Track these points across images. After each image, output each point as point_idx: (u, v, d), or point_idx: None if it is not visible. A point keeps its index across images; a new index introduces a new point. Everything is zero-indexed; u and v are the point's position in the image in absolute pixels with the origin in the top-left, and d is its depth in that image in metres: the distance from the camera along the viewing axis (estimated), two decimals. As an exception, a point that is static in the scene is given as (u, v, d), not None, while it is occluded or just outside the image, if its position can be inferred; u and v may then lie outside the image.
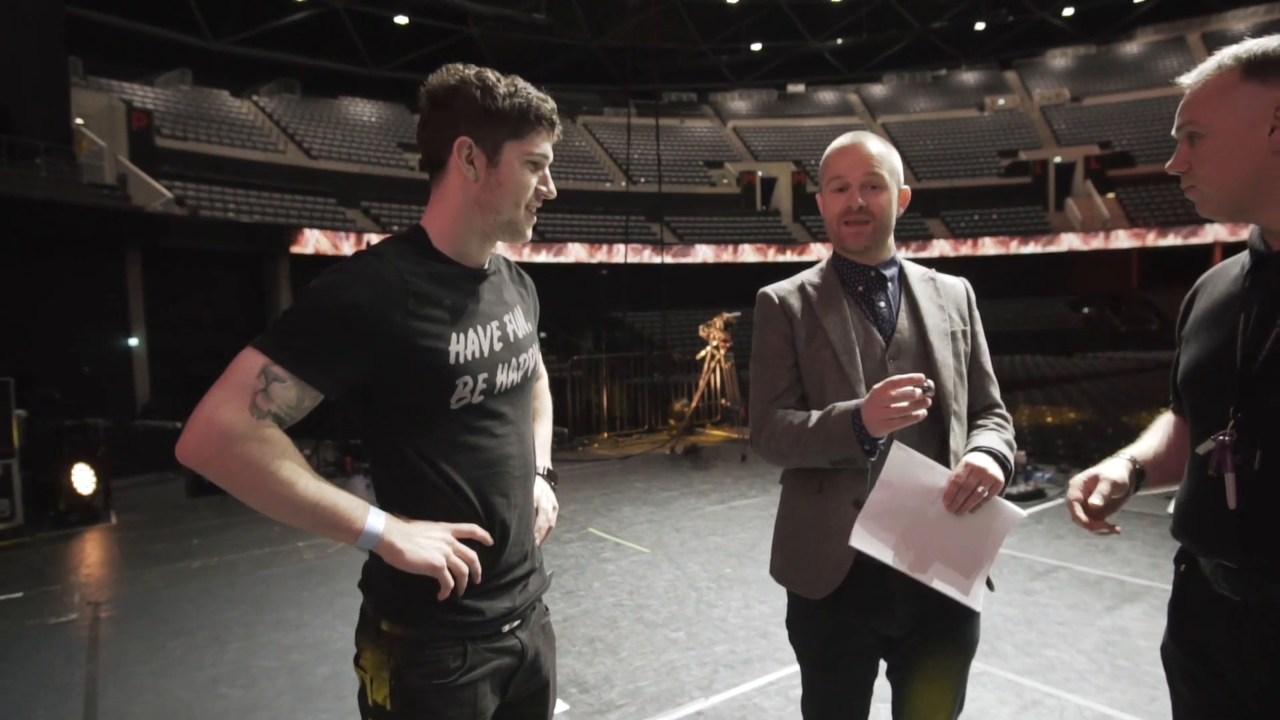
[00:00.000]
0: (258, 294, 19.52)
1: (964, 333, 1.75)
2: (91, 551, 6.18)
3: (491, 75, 1.37)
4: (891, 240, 1.75)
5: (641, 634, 4.08)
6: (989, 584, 1.63)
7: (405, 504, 1.34)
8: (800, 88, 37.58)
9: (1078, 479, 1.44)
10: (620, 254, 24.31)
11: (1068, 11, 35.47)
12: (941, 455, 1.63)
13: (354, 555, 5.64)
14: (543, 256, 24.40)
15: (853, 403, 1.55)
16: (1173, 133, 1.28)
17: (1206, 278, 1.43)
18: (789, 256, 27.71)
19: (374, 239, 18.21)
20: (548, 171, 1.42)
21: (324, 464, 9.23)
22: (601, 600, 4.59)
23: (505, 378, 1.41)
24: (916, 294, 1.73)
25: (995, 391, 1.79)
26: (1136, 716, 3.09)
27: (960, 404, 1.69)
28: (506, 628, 1.42)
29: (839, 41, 36.98)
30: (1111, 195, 28.50)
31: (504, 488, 1.42)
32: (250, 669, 3.81)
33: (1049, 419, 11.54)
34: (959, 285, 1.81)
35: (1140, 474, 1.47)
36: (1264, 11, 32.61)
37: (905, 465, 1.53)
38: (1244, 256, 1.33)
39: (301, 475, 1.22)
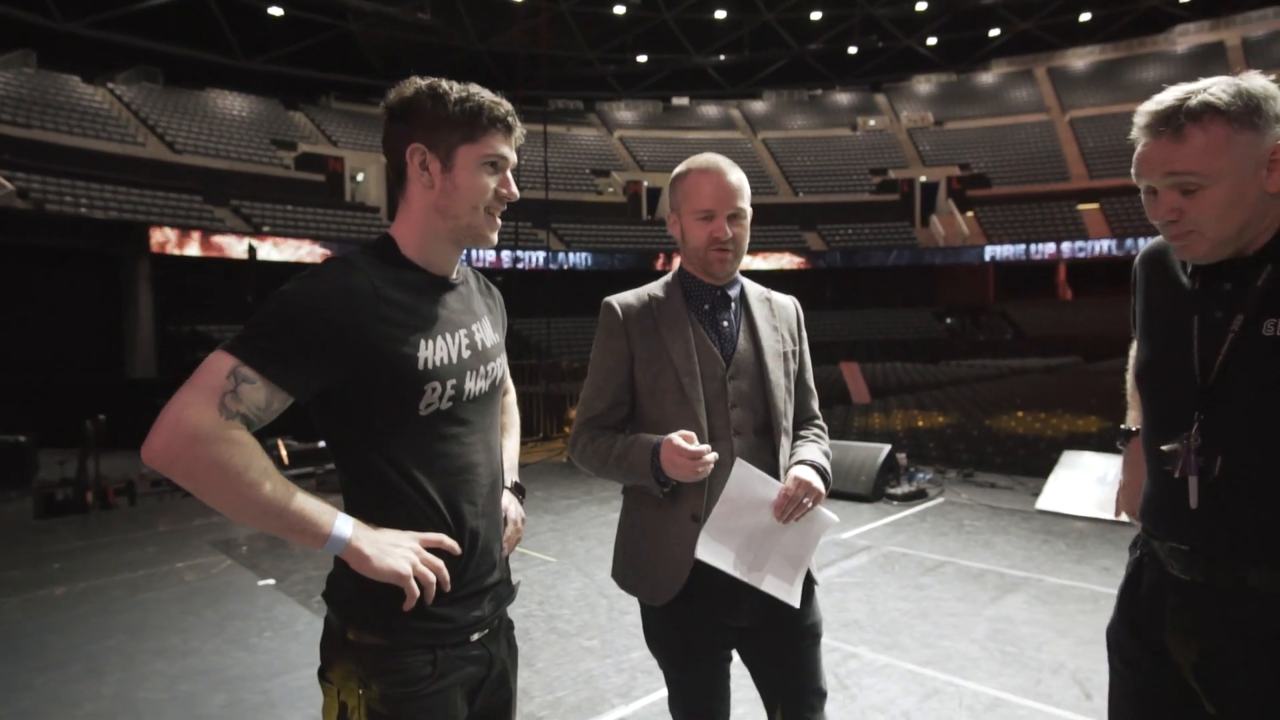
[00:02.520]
0: (114, 296, 18.10)
1: (793, 352, 1.85)
2: (-70, 581, 5.56)
3: (445, 84, 1.38)
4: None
5: (556, 644, 4.05)
6: (811, 579, 1.78)
7: (373, 510, 1.33)
8: (685, 101, 38.39)
9: (1133, 486, 1.56)
10: (506, 260, 24.05)
11: (931, 40, 37.95)
12: (773, 468, 1.74)
13: (242, 576, 5.34)
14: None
15: (653, 440, 1.66)
16: (1153, 184, 1.30)
17: (1148, 258, 1.50)
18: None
19: (244, 240, 17.28)
20: (509, 174, 1.42)
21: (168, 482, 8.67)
22: (512, 611, 4.51)
23: (473, 385, 1.42)
24: (755, 315, 1.82)
25: (815, 404, 1.92)
26: (1026, 698, 3.33)
27: (788, 420, 1.81)
28: (475, 636, 1.42)
29: (722, 58, 38.05)
30: (971, 214, 30.54)
31: (472, 495, 1.42)
32: (134, 703, 3.53)
33: (920, 423, 12.22)
34: (790, 305, 1.91)
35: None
36: (1098, 51, 35.96)
37: (744, 481, 1.64)
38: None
39: (269, 477, 1.20)
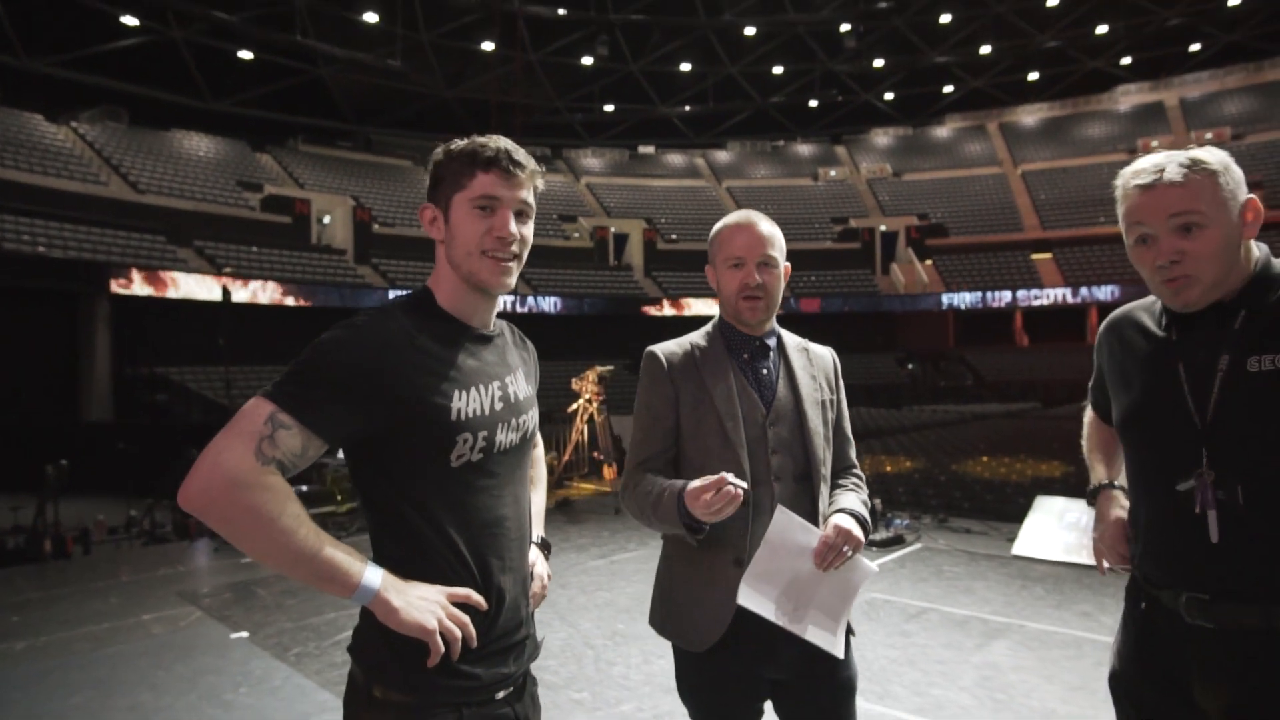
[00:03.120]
0: (69, 337, 17.64)
1: (831, 401, 1.88)
2: (-123, 637, 5.28)
3: (459, 142, 1.42)
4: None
5: (545, 696, 3.93)
6: (850, 630, 1.79)
7: (401, 560, 1.32)
8: (650, 149, 39.03)
9: (1111, 535, 1.61)
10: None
11: (889, 96, 39.26)
12: (812, 515, 1.75)
13: (212, 629, 5.17)
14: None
15: (678, 484, 1.66)
16: (1151, 230, 1.37)
17: (1114, 324, 1.62)
18: (664, 311, 28.41)
19: (209, 280, 17.01)
20: (510, 215, 1.40)
21: (158, 526, 8.41)
22: (497, 663, 4.43)
23: (504, 437, 1.43)
24: (793, 363, 1.86)
25: (853, 453, 1.95)
26: (1021, 746, 3.35)
27: (827, 467, 1.83)
28: (501, 694, 1.40)
29: (687, 108, 38.87)
30: (929, 262, 31.32)
31: (500, 549, 1.42)
32: (107, 763, 3.39)
33: (888, 468, 12.34)
34: (827, 355, 1.95)
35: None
36: (1046, 108, 37.52)
37: (785, 528, 1.65)
38: (1149, 306, 1.54)
39: (302, 524, 1.21)
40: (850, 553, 1.66)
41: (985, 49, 35.46)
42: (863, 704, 3.74)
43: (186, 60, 27.86)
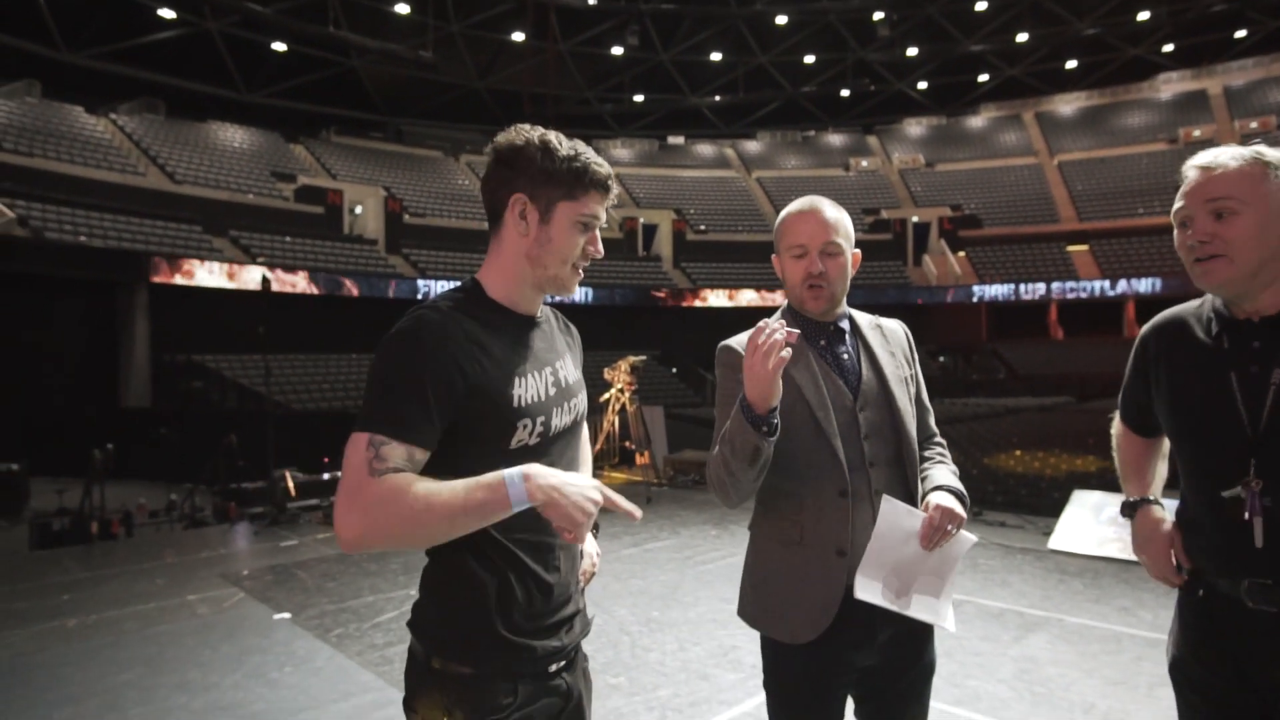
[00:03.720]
0: (110, 326, 18.01)
1: (911, 376, 1.86)
2: (-65, 612, 5.46)
3: (554, 138, 1.44)
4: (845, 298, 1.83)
5: (581, 681, 4.02)
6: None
7: (457, 543, 1.35)
8: (680, 140, 38.90)
9: (1156, 554, 1.61)
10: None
11: (922, 85, 38.74)
12: (910, 495, 1.74)
13: (255, 609, 5.27)
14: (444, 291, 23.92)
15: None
16: (1191, 214, 1.45)
17: (1162, 328, 1.62)
18: (695, 302, 28.40)
19: (243, 270, 17.24)
20: (598, 233, 1.49)
21: (198, 510, 8.59)
22: (534, 648, 4.48)
23: (559, 421, 1.47)
24: (872, 344, 1.82)
25: (933, 421, 1.92)
26: (1061, 739, 3.33)
27: (916, 444, 1.80)
28: (554, 667, 1.45)
29: (717, 98, 38.65)
30: (962, 254, 30.94)
31: (551, 529, 1.44)
32: (159, 737, 3.48)
33: (922, 461, 12.25)
34: (900, 330, 1.92)
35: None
36: (1084, 97, 36.80)
37: (892, 516, 1.64)
38: (1195, 312, 1.56)
39: (434, 493, 1.23)
40: (954, 530, 1.64)
41: (1022, 36, 34.80)
42: (900, 694, 3.75)
43: (222, 52, 28.25)
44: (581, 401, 1.57)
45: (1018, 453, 11.69)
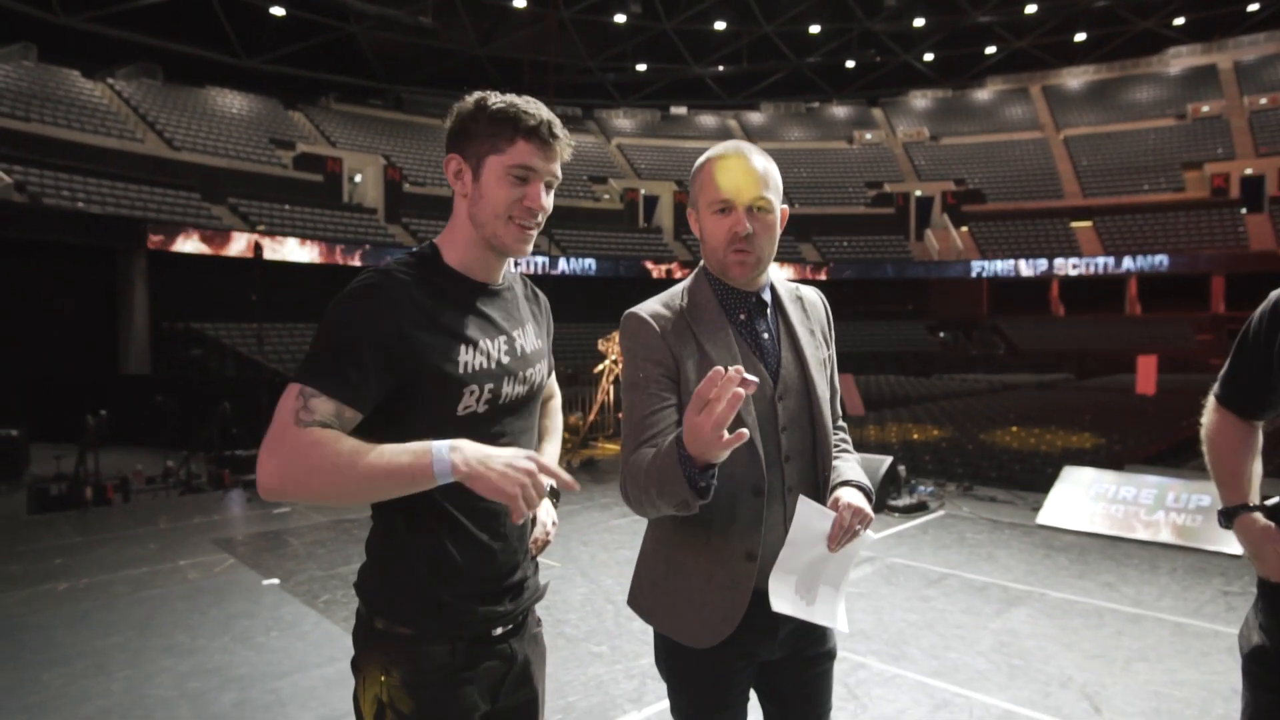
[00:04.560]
0: (108, 292, 17.98)
1: (829, 357, 1.69)
2: (-71, 574, 5.51)
3: (492, 96, 1.42)
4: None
5: (564, 649, 4.06)
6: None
7: (399, 508, 1.36)
8: (683, 110, 38.53)
9: (1272, 556, 1.52)
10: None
11: (929, 57, 38.24)
12: (820, 491, 1.61)
13: (245, 575, 5.32)
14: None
15: (671, 440, 1.35)
16: None
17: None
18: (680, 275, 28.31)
19: (240, 237, 17.14)
20: (541, 187, 1.41)
21: (194, 476, 8.63)
22: (519, 616, 4.52)
23: (511, 389, 1.46)
24: (792, 321, 1.64)
25: (839, 404, 1.75)
26: (1035, 711, 3.36)
27: (831, 435, 1.65)
28: (498, 631, 1.47)
29: (720, 69, 38.22)
30: (965, 229, 30.75)
31: None
32: (144, 700, 3.52)
33: (915, 436, 12.28)
34: (819, 302, 1.74)
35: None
36: (1093, 70, 36.34)
37: (806, 517, 1.49)
38: None
39: (359, 454, 1.21)
40: (862, 530, 1.51)
41: (1031, 8, 34.26)
42: (878, 665, 3.79)
43: (219, 16, 27.89)
44: (539, 371, 1.55)
45: (1014, 429, 11.69)
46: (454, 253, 1.44)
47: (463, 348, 1.37)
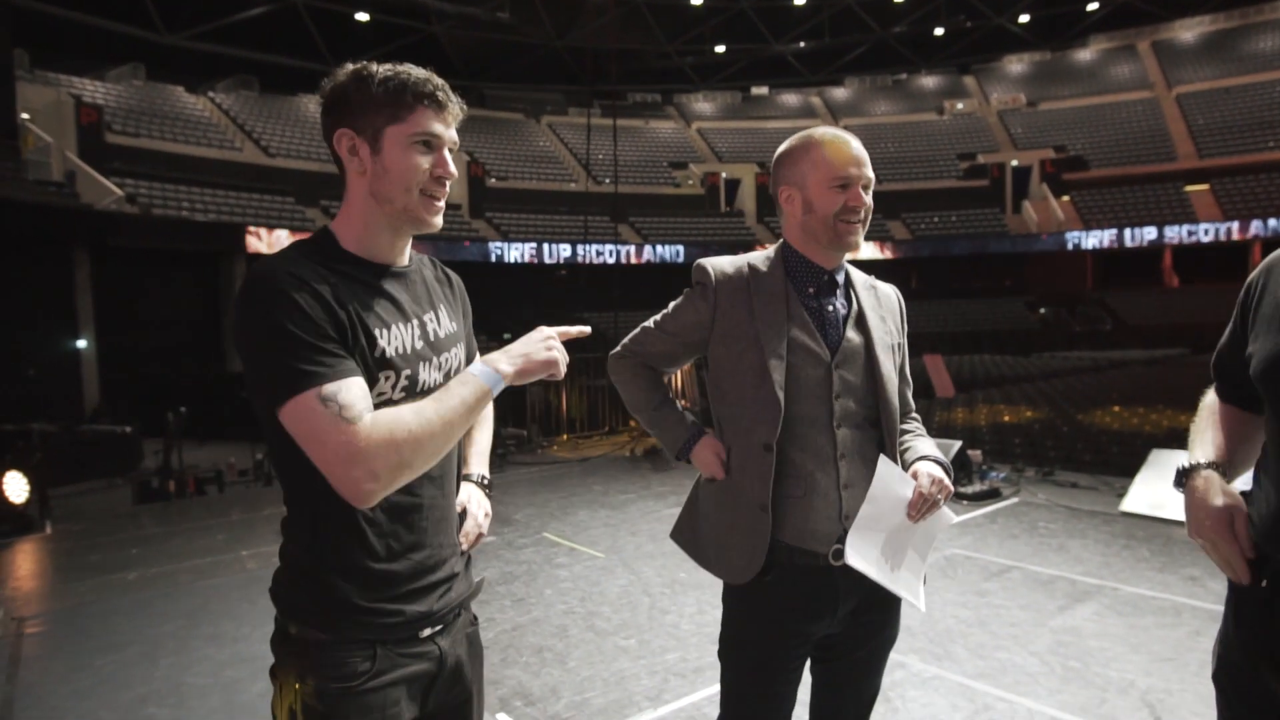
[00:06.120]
0: (213, 294, 19.07)
1: (899, 345, 1.78)
2: (22, 563, 5.91)
3: (374, 66, 1.34)
4: None
5: (591, 642, 3.98)
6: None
7: (310, 503, 1.29)
8: (764, 90, 37.78)
9: (1220, 532, 1.26)
10: (587, 253, 24.25)
11: (1024, 18, 36.09)
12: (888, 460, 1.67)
13: (300, 564, 5.48)
14: (513, 256, 24.25)
15: (696, 428, 1.77)
16: None
17: (1273, 266, 1.37)
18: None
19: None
20: (446, 154, 1.35)
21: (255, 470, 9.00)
22: (552, 608, 4.48)
23: (428, 376, 1.37)
24: (863, 303, 1.72)
25: (911, 396, 1.84)
26: (1087, 719, 3.07)
27: (898, 414, 1.74)
28: (425, 632, 1.38)
29: (801, 45, 37.20)
30: (1066, 198, 29.03)
31: (412, 486, 1.35)
32: (181, 687, 3.64)
33: (1006, 418, 11.64)
34: (894, 295, 1.83)
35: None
36: (1209, 21, 33.56)
37: (887, 479, 1.59)
38: None
39: (421, 414, 1.22)
40: (942, 502, 1.62)
41: (1137, -42, 31.95)
42: (917, 664, 3.55)
43: (308, 26, 29.03)
44: (455, 355, 1.46)
45: (1116, 409, 10.97)
46: (351, 236, 1.35)
47: (379, 331, 1.29)
